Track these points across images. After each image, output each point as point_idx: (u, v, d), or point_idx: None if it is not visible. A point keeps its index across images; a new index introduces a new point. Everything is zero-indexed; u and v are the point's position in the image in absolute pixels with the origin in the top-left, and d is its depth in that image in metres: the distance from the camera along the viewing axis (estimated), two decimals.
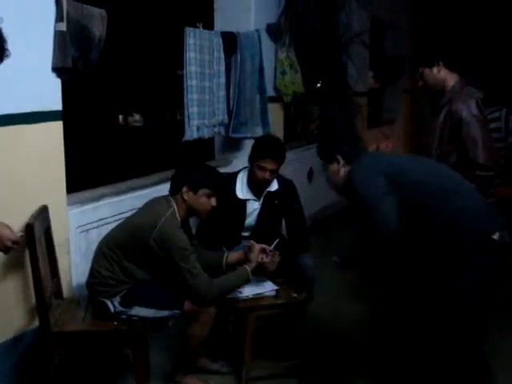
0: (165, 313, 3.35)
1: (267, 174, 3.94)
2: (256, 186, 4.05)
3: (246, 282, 3.51)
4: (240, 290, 3.66)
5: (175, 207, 3.37)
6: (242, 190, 4.07)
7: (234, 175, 4.17)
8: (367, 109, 9.17)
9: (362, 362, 4.04)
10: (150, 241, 3.21)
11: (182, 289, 3.31)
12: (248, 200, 4.09)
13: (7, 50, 2.40)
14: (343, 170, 3.10)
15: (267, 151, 3.92)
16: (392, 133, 10.87)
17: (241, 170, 4.22)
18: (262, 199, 4.09)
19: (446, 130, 3.56)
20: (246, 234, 4.15)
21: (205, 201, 3.40)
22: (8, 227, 2.78)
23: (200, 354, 3.75)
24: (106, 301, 3.30)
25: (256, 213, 4.10)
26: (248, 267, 3.51)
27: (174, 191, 3.43)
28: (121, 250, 3.31)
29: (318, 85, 8.60)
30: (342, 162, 3.10)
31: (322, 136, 3.34)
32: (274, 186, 4.10)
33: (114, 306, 3.29)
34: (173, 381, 3.62)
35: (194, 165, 3.55)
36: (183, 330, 3.48)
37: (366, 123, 9.01)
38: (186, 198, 3.37)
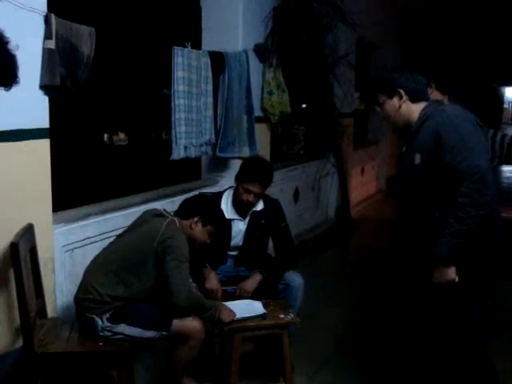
0: (151, 333, 3.30)
1: (251, 197, 3.93)
2: (240, 206, 4.04)
3: (210, 312, 3.41)
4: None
5: (176, 219, 3.48)
6: (226, 210, 4.04)
7: (219, 195, 4.15)
8: (353, 130, 9.24)
9: (349, 381, 4.03)
10: (154, 245, 3.28)
11: (163, 292, 3.29)
12: (233, 220, 4.07)
13: (17, 77, 2.41)
14: (405, 107, 3.14)
15: (255, 175, 3.92)
16: (377, 154, 10.94)
17: (226, 189, 4.20)
18: (247, 219, 4.08)
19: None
20: (233, 253, 4.13)
21: (206, 236, 3.63)
22: None
23: (185, 374, 3.70)
24: (95, 317, 3.25)
25: (242, 233, 4.08)
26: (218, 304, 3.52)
27: (184, 216, 3.57)
28: (124, 263, 3.32)
29: (303, 105, 8.65)
30: (404, 97, 3.13)
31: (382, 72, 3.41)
32: (260, 206, 4.08)
33: (102, 321, 3.24)
34: None
35: (210, 200, 3.80)
36: (169, 351, 3.45)
37: (351, 144, 9.06)
38: (193, 227, 3.55)
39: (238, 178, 4.00)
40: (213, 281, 3.89)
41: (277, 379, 3.91)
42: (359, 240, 8.21)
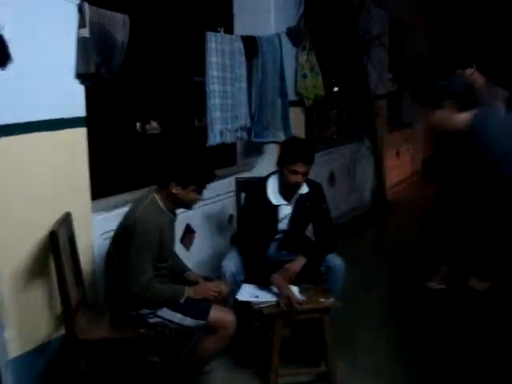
0: (189, 321, 3.29)
1: (299, 177, 3.88)
2: (288, 190, 4.00)
3: (178, 299, 3.31)
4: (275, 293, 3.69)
5: (155, 195, 3.32)
6: (274, 197, 4.01)
7: (263, 180, 4.11)
8: (386, 112, 9.13)
9: (390, 365, 4.00)
10: (130, 229, 3.18)
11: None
12: (280, 205, 4.04)
13: (10, 56, 2.34)
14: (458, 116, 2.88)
15: (297, 155, 3.86)
16: (412, 136, 10.80)
17: (269, 175, 4.15)
18: (294, 203, 4.05)
19: None
20: (277, 237, 4.11)
21: (194, 195, 3.37)
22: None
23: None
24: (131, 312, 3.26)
25: (288, 217, 4.06)
26: (187, 289, 3.37)
27: (161, 185, 3.35)
28: (120, 250, 3.27)
29: (335, 89, 8.58)
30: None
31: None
32: (305, 189, 4.04)
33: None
34: None
35: (185, 159, 3.43)
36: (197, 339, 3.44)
37: (386, 126, 8.97)
38: (174, 191, 3.30)
39: (281, 162, 3.94)
40: (287, 290, 3.71)
41: (318, 364, 3.90)
42: (395, 223, 8.13)
